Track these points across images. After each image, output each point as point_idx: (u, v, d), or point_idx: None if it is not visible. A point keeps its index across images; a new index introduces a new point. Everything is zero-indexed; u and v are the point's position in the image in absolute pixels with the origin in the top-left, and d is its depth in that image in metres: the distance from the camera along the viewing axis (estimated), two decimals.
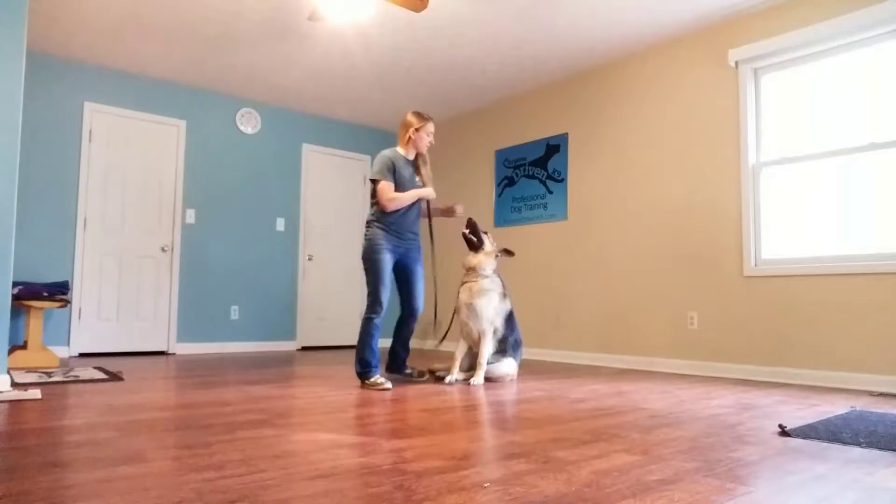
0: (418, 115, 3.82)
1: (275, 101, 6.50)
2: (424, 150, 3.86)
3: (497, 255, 4.07)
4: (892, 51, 3.84)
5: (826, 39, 4.05)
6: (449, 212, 4.01)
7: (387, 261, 3.67)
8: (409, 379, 3.93)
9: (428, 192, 3.85)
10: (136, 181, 5.79)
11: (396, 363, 3.96)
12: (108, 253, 5.62)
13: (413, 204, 3.80)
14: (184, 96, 6.05)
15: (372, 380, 3.56)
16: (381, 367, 3.76)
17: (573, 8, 4.42)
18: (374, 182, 3.71)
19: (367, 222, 3.76)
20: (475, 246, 4.02)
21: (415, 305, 3.87)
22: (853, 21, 3.88)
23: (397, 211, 3.72)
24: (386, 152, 3.76)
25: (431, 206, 4.02)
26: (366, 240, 3.72)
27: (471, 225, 4.08)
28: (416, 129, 3.78)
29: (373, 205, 3.77)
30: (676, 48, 4.91)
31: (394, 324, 3.99)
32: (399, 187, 3.70)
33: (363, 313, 3.70)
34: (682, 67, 4.85)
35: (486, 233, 4.09)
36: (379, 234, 3.68)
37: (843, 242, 3.97)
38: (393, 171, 3.70)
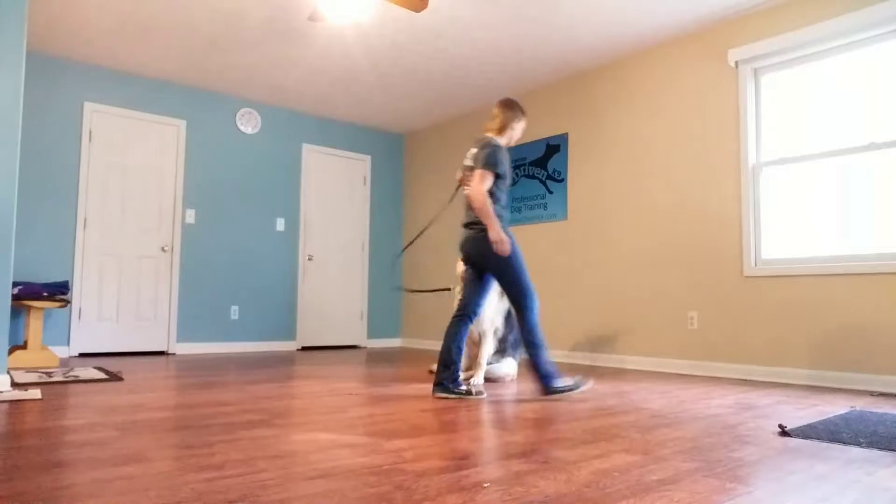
0: (518, 105, 3.52)
1: (275, 101, 6.50)
2: (514, 143, 3.63)
3: None
4: (892, 51, 3.84)
5: (826, 39, 4.05)
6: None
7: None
8: (463, 395, 3.26)
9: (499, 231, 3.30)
10: (136, 181, 5.79)
11: (453, 375, 3.29)
12: (108, 253, 5.62)
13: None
14: (184, 96, 6.05)
15: (566, 383, 3.25)
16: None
17: (573, 8, 4.42)
18: (484, 169, 3.25)
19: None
20: None
21: (477, 306, 3.42)
22: (853, 21, 3.88)
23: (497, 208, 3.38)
24: (498, 144, 3.36)
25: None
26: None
27: None
28: (519, 121, 3.51)
29: (496, 199, 3.33)
30: (676, 48, 4.91)
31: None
32: (504, 181, 3.37)
33: (519, 316, 3.25)
34: (682, 67, 4.85)
35: None
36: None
37: (843, 242, 3.97)
38: (503, 166, 3.34)
